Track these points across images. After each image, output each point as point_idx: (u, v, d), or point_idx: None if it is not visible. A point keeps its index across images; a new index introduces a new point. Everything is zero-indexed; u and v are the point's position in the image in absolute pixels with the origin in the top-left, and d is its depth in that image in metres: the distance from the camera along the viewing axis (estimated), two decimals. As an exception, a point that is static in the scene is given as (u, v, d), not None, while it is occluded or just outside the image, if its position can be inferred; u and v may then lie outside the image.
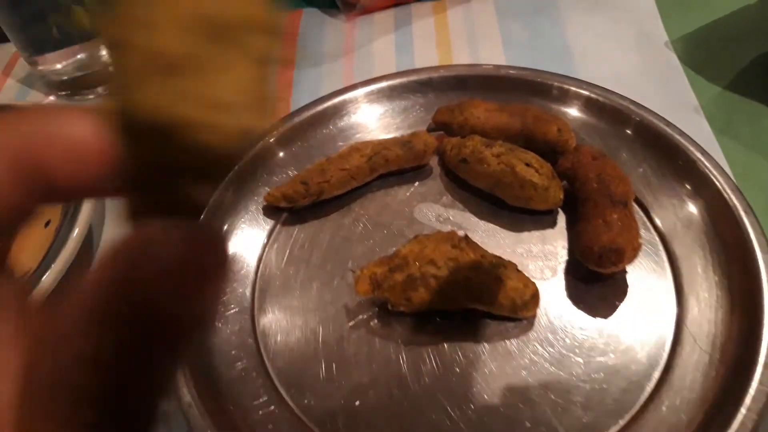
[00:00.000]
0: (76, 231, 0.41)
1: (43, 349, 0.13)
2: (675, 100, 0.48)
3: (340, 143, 0.47)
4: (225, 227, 0.43)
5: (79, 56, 0.57)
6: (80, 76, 0.57)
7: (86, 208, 0.42)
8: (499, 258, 0.37)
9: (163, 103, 0.10)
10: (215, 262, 0.14)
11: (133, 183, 0.13)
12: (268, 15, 0.10)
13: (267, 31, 0.11)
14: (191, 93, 0.10)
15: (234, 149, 0.11)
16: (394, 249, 0.38)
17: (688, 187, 0.41)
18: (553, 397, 0.34)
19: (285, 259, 0.42)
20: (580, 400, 0.34)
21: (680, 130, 0.43)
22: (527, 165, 0.40)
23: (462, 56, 0.54)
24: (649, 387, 0.34)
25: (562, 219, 0.42)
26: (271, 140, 0.46)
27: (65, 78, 0.57)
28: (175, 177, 0.12)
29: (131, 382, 0.13)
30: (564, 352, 0.36)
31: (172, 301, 0.13)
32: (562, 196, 0.40)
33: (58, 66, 0.57)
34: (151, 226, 0.13)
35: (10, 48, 0.63)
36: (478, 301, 0.36)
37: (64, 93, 0.58)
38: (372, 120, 0.49)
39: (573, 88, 0.46)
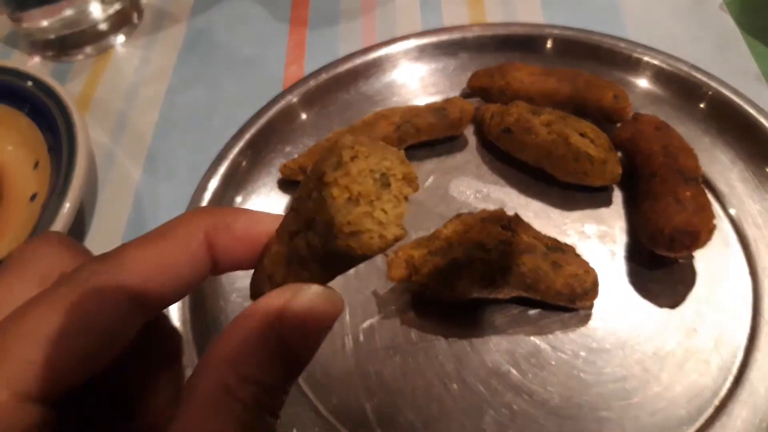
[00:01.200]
0: (66, 206, 0.36)
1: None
2: (734, 68, 0.43)
3: (364, 110, 0.42)
4: (239, 199, 0.38)
5: (66, 12, 0.51)
6: (68, 34, 0.51)
7: (76, 182, 0.36)
8: (556, 240, 0.33)
9: (352, 218, 0.16)
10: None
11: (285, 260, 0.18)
12: (408, 169, 0.17)
13: (408, 179, 0.17)
14: (369, 214, 0.16)
15: (379, 251, 0.16)
16: (429, 229, 0.33)
17: (762, 164, 0.36)
18: (613, 398, 0.30)
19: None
20: (645, 402, 0.29)
21: (749, 99, 0.38)
22: (582, 135, 0.36)
23: (496, 15, 0.48)
24: (725, 388, 0.30)
25: (617, 196, 0.37)
26: (293, 100, 0.41)
27: (52, 36, 0.51)
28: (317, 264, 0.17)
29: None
30: (625, 347, 0.31)
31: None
32: (620, 171, 0.36)
33: (44, 23, 0.51)
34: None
35: (-10, 5, 0.57)
36: (531, 289, 0.32)
37: (50, 53, 0.52)
38: (398, 84, 0.44)
39: (633, 54, 0.41)
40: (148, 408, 0.20)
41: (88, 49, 0.52)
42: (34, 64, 0.52)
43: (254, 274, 0.20)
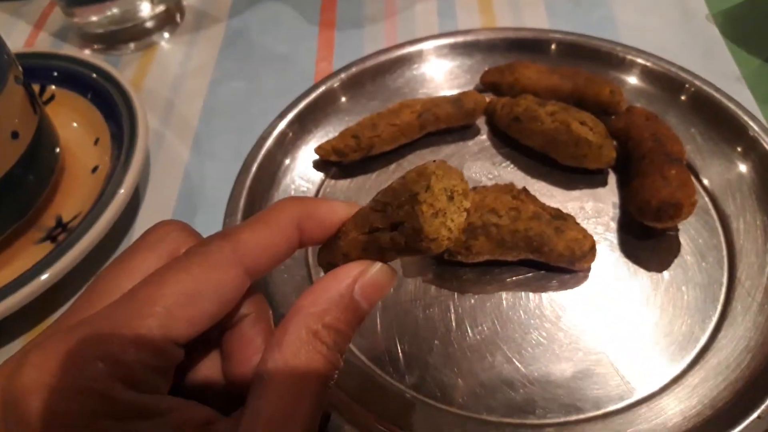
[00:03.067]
0: (127, 180, 0.40)
1: None
2: (717, 71, 0.49)
3: (387, 102, 0.47)
4: (287, 161, 0.44)
5: (114, 10, 0.56)
6: (114, 30, 0.57)
7: (137, 158, 0.41)
8: (559, 210, 0.38)
9: (434, 228, 0.21)
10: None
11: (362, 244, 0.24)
12: (466, 186, 0.22)
13: (465, 193, 0.22)
14: (443, 224, 0.21)
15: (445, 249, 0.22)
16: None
17: (738, 150, 0.42)
18: (609, 344, 0.35)
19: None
20: (637, 347, 0.34)
21: (728, 95, 0.43)
22: (582, 123, 0.41)
23: (505, 23, 0.54)
24: (704, 338, 0.35)
25: (612, 178, 0.42)
26: (333, 86, 0.47)
27: (100, 31, 0.57)
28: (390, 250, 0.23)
29: None
30: (619, 303, 0.36)
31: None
32: (615, 155, 0.41)
33: (94, 18, 0.56)
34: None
35: (41, 2, 0.63)
36: (537, 252, 0.36)
37: (98, 47, 0.57)
38: (419, 79, 0.49)
39: (624, 54, 0.47)
40: (243, 354, 0.25)
41: (134, 45, 0.57)
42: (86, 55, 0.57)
43: (325, 248, 0.25)
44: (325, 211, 0.25)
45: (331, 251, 0.25)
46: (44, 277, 0.36)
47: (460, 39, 0.50)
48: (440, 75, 0.49)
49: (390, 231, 0.22)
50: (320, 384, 0.21)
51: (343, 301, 0.22)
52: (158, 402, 0.21)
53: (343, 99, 0.48)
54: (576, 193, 0.42)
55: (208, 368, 0.25)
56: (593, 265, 0.38)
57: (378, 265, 0.23)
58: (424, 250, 0.22)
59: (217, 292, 0.22)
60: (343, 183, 0.44)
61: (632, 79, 0.47)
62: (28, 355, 0.21)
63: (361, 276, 0.23)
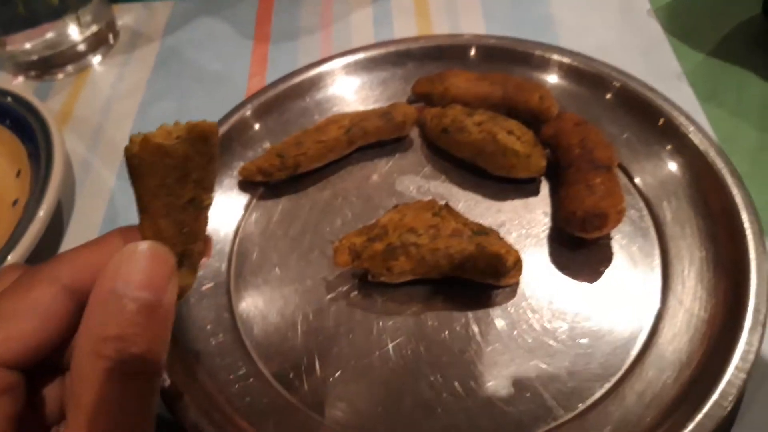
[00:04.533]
0: (43, 208, 0.39)
1: None
2: (659, 69, 0.48)
3: (317, 116, 0.46)
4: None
5: (48, 35, 0.55)
6: (50, 55, 0.55)
7: (54, 184, 0.40)
8: (481, 225, 0.36)
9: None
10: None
11: None
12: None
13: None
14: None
15: None
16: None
17: (669, 149, 0.40)
18: (538, 363, 0.33)
19: (262, 233, 0.41)
20: (566, 365, 0.33)
21: (662, 94, 0.42)
22: (509, 133, 0.39)
23: (442, 28, 0.53)
24: (635, 350, 0.33)
25: (545, 187, 0.41)
26: (247, 113, 0.45)
27: (34, 58, 0.55)
28: None
29: None
30: (548, 318, 0.35)
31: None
32: (544, 164, 0.40)
33: (27, 45, 0.55)
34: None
35: (-24, 30, 0.61)
36: (459, 269, 0.35)
37: (33, 73, 0.56)
38: (349, 92, 0.48)
39: (553, 56, 0.46)
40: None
41: (69, 68, 0.56)
42: (17, 84, 0.56)
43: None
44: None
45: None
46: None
47: (392, 49, 0.48)
48: (372, 87, 0.48)
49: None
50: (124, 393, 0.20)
51: (112, 307, 0.21)
52: None
53: (266, 120, 0.46)
54: (507, 203, 0.41)
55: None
56: (522, 278, 0.36)
57: (141, 244, 0.22)
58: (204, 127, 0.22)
59: (34, 309, 0.22)
60: (271, 203, 0.42)
61: (563, 82, 0.45)
62: None
63: (116, 271, 0.21)
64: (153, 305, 0.21)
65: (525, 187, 0.41)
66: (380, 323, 0.36)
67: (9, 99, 0.46)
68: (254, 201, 0.43)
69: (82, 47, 0.56)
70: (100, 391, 0.20)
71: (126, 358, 0.20)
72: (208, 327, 0.36)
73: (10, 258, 0.37)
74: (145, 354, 0.21)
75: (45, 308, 0.22)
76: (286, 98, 0.47)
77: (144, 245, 0.22)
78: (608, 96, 0.44)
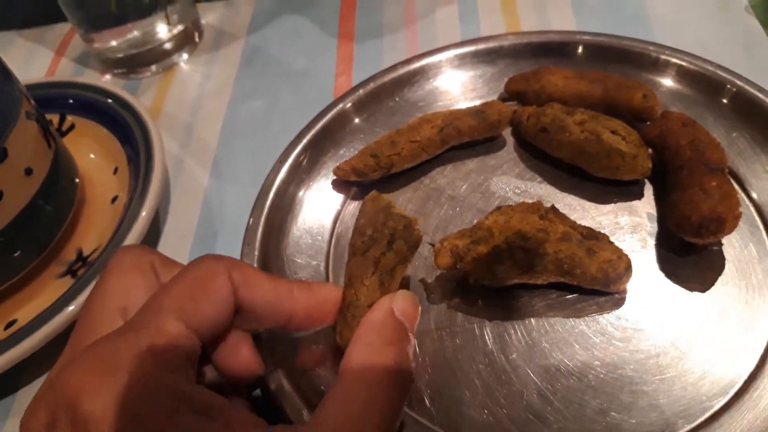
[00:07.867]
0: (146, 209, 0.39)
1: None
2: (760, 66, 0.46)
3: (407, 116, 0.45)
4: (301, 193, 0.42)
5: (134, 33, 0.56)
6: (135, 53, 0.56)
7: (153, 189, 0.40)
8: (590, 229, 0.35)
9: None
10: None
11: None
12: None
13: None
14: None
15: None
16: (471, 222, 0.36)
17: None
18: (649, 374, 0.32)
19: (357, 233, 0.40)
20: (678, 375, 0.32)
21: (774, 94, 0.40)
22: (613, 132, 0.38)
23: (530, 23, 0.51)
24: (755, 360, 0.32)
25: (648, 189, 0.40)
26: (340, 112, 0.45)
27: (120, 56, 0.56)
28: None
29: None
30: (659, 326, 0.34)
31: None
32: (650, 165, 0.38)
33: (113, 43, 0.56)
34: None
35: (62, 28, 0.63)
36: (568, 275, 0.34)
37: (119, 71, 0.57)
38: (440, 91, 0.47)
39: (661, 56, 0.44)
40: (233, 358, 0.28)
41: (154, 67, 0.57)
42: (105, 82, 0.57)
43: (339, 325, 0.29)
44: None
45: (349, 324, 0.29)
46: (71, 309, 0.35)
47: (482, 46, 0.48)
48: (463, 85, 0.47)
49: (388, 248, 0.29)
50: (392, 386, 0.25)
51: (390, 322, 0.27)
52: (212, 396, 0.23)
53: (359, 118, 0.46)
54: (610, 206, 0.39)
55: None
56: (630, 285, 0.35)
57: (399, 291, 0.29)
58: (417, 237, 0.30)
59: (216, 296, 0.26)
60: (365, 203, 0.42)
61: (667, 81, 0.44)
62: (72, 366, 0.22)
63: (392, 301, 0.28)
64: (410, 329, 0.28)
65: (627, 189, 0.40)
66: (484, 327, 0.35)
67: (109, 100, 0.47)
68: (348, 201, 0.42)
69: (168, 45, 0.56)
70: (375, 390, 0.25)
71: (401, 362, 0.26)
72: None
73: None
74: (410, 364, 0.27)
75: (222, 299, 0.26)
76: (374, 98, 0.46)
77: (405, 291, 0.29)
78: (715, 97, 0.42)
